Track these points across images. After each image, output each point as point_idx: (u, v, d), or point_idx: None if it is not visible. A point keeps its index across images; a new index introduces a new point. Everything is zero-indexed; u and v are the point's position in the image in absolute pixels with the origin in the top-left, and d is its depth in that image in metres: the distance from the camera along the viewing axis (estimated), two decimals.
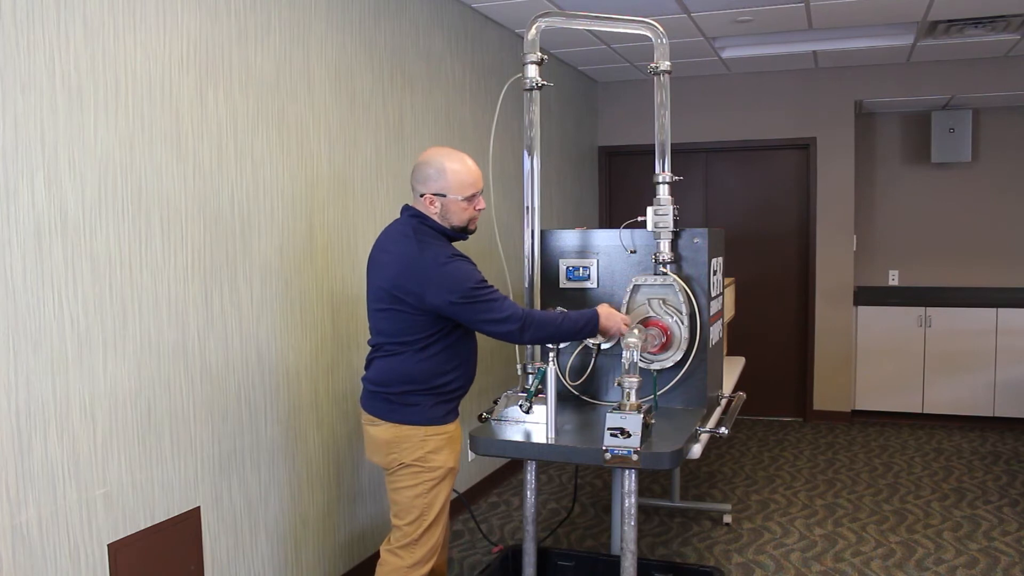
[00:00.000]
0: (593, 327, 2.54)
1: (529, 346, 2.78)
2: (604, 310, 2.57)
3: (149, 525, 2.43)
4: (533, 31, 2.72)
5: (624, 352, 2.43)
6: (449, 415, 2.53)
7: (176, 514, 2.53)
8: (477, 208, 2.51)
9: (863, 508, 4.28)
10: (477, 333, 2.58)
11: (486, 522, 4.18)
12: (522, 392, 2.69)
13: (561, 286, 2.94)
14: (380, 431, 2.51)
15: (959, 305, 5.89)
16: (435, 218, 2.48)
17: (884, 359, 6.06)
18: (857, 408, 6.18)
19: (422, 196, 2.47)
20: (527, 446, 2.53)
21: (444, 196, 2.46)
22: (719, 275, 3.02)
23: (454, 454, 2.54)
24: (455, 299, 2.35)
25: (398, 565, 2.50)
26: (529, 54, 2.71)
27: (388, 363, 2.48)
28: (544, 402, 2.56)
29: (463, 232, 2.54)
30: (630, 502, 2.42)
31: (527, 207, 2.77)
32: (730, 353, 4.27)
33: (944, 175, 6.28)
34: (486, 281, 2.41)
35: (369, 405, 2.54)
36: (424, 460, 2.48)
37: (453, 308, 2.37)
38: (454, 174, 2.45)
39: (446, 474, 2.51)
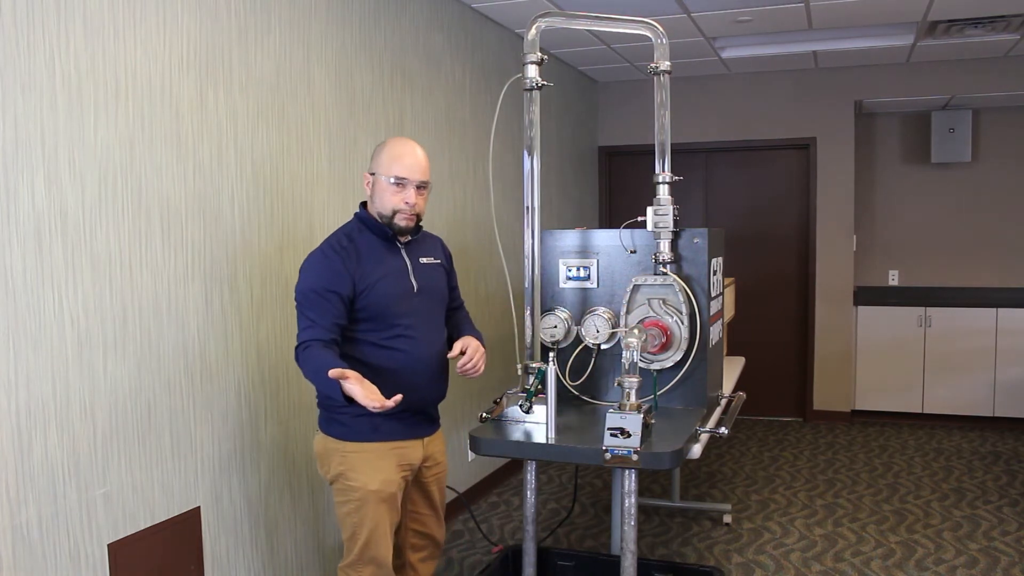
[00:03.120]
0: (336, 393, 2.11)
1: (529, 346, 2.78)
2: (350, 385, 2.08)
3: (149, 525, 2.43)
4: (533, 31, 2.72)
5: (624, 352, 2.43)
6: (376, 432, 2.32)
7: (176, 514, 2.53)
8: (406, 201, 2.32)
9: (863, 508, 4.28)
10: (440, 340, 2.48)
11: (486, 522, 4.18)
12: (522, 392, 2.69)
13: (561, 286, 2.95)
14: (315, 441, 2.44)
15: (959, 305, 5.89)
16: (369, 203, 2.39)
17: (884, 359, 6.06)
18: (857, 408, 6.18)
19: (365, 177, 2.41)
20: (527, 446, 2.53)
21: (374, 174, 2.36)
22: (719, 275, 3.02)
23: (380, 475, 2.31)
24: (297, 290, 2.28)
25: None
26: (529, 54, 2.71)
27: None
28: (544, 402, 2.56)
29: (390, 225, 2.35)
30: (630, 502, 2.42)
31: (527, 207, 2.77)
32: (730, 353, 4.27)
33: (944, 175, 6.28)
34: (325, 295, 2.22)
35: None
36: (344, 477, 2.33)
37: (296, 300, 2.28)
38: (388, 153, 2.34)
39: (368, 496, 2.30)
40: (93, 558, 2.26)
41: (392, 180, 2.32)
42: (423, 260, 2.47)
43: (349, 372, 2.08)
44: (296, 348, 2.24)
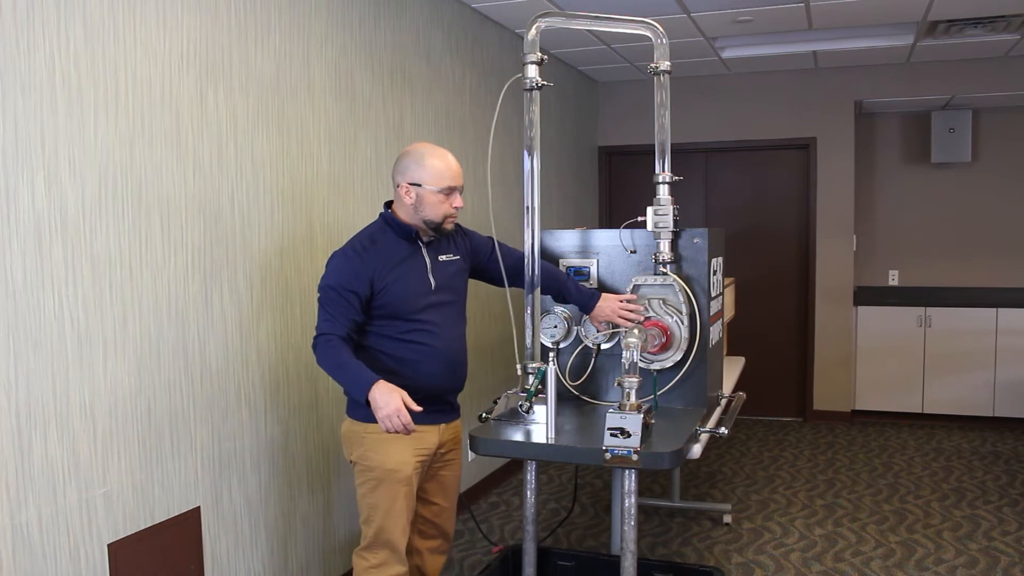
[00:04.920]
0: (358, 393, 2.31)
1: (529, 346, 2.78)
2: (383, 387, 2.27)
3: (149, 525, 2.43)
4: (533, 31, 2.72)
5: (624, 352, 2.43)
6: None
7: (176, 514, 2.53)
8: (454, 205, 2.47)
9: (863, 508, 4.28)
10: (458, 333, 2.58)
11: (486, 522, 4.18)
12: (522, 392, 2.69)
13: None
14: (342, 426, 2.57)
15: (959, 305, 5.89)
16: (409, 210, 2.46)
17: (884, 359, 6.06)
18: (857, 408, 6.18)
19: (399, 187, 2.46)
20: (527, 446, 2.53)
21: (419, 186, 2.43)
22: (719, 275, 3.02)
23: (396, 455, 2.42)
24: (319, 285, 2.43)
25: (363, 567, 2.47)
26: (529, 54, 2.71)
27: None
28: (544, 402, 2.56)
29: (436, 230, 2.50)
30: (630, 502, 2.42)
31: (527, 207, 2.77)
32: (730, 353, 4.27)
33: (944, 175, 6.28)
34: (344, 294, 2.36)
35: None
36: (363, 458, 2.45)
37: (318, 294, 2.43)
38: (431, 166, 2.43)
39: (384, 476, 2.42)
40: (93, 558, 2.26)
41: (440, 190, 2.44)
42: (442, 258, 2.57)
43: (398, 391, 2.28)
44: (316, 337, 2.39)
